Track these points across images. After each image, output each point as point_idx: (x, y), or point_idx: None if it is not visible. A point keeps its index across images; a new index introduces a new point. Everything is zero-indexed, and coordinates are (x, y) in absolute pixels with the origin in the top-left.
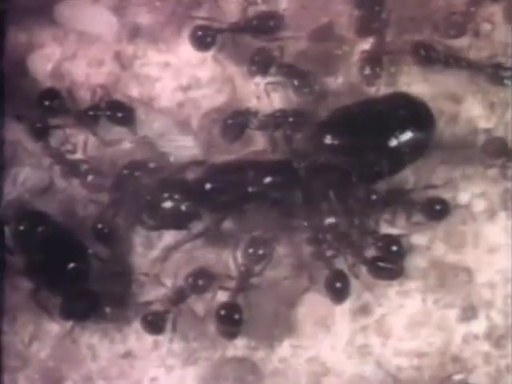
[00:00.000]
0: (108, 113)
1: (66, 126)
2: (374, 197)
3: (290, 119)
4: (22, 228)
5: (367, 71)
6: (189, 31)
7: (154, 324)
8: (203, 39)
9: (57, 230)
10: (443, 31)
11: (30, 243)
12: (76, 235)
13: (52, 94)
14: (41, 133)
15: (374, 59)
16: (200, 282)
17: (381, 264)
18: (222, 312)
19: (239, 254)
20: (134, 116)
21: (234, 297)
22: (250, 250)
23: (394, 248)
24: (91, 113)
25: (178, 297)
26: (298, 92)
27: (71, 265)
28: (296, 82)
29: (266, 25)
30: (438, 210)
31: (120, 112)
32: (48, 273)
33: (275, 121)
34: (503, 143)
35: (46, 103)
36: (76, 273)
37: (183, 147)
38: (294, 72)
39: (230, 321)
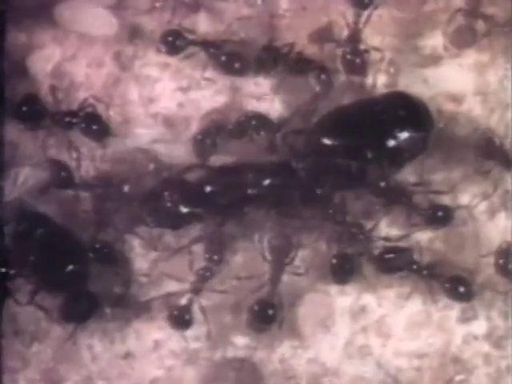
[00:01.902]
0: (82, 125)
1: (43, 127)
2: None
3: (253, 122)
4: (21, 229)
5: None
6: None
7: (181, 318)
8: (173, 44)
9: (56, 231)
10: (451, 40)
11: (29, 244)
12: (75, 236)
13: (31, 99)
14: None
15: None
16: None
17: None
18: (256, 308)
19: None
20: (108, 133)
21: (270, 292)
22: (275, 242)
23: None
24: (67, 119)
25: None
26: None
27: (70, 266)
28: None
29: (232, 66)
30: (440, 217)
31: (94, 125)
32: (47, 274)
33: (243, 126)
34: (492, 144)
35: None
36: (75, 274)
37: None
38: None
39: (265, 317)
